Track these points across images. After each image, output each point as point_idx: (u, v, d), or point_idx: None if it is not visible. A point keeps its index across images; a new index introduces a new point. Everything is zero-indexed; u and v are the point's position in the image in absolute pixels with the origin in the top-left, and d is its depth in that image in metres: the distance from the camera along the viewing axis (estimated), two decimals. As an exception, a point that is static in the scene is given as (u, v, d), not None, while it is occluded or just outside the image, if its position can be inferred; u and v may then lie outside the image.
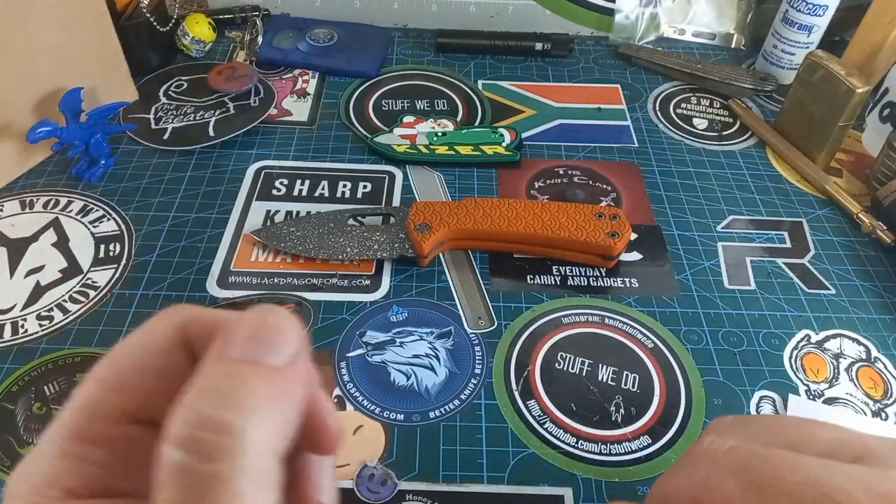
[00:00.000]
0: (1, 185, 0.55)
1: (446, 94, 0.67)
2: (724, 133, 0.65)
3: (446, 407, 0.43)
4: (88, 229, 0.53)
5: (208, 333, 0.17)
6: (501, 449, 0.41)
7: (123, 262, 0.50)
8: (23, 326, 0.46)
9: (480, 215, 0.50)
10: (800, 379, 0.45)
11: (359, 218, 0.53)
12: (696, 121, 0.66)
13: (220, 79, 0.64)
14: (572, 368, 0.45)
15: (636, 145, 0.63)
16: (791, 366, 0.46)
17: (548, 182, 0.58)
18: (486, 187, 0.58)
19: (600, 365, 0.45)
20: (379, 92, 0.67)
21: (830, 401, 0.44)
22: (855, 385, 0.45)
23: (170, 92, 0.65)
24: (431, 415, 0.42)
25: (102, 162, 0.56)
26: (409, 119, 0.63)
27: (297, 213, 0.54)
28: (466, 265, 0.51)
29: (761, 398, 0.44)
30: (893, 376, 0.46)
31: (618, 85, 0.70)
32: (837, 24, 0.66)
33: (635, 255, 0.53)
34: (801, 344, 0.47)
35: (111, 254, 0.51)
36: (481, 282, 0.50)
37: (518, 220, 0.50)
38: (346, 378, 0.44)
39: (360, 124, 0.63)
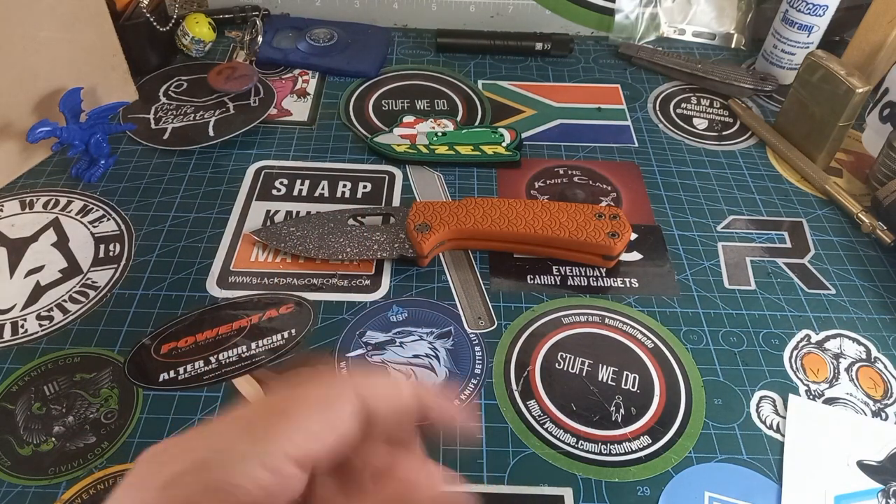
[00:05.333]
0: (1, 185, 0.55)
1: (446, 94, 0.67)
2: (724, 133, 0.65)
3: (446, 407, 0.43)
4: (88, 229, 0.53)
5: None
6: (501, 449, 0.41)
7: (123, 262, 0.50)
8: (23, 326, 0.46)
9: (480, 215, 0.50)
10: (800, 379, 0.45)
11: (359, 218, 0.53)
12: (696, 121, 0.66)
13: (220, 79, 0.64)
14: (572, 368, 0.45)
15: (636, 145, 0.63)
16: (791, 366, 0.46)
17: (548, 182, 0.58)
18: (486, 187, 0.58)
19: (600, 365, 0.45)
20: (379, 92, 0.67)
21: (830, 401, 0.44)
22: (855, 385, 0.45)
23: (170, 92, 0.65)
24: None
25: (102, 162, 0.56)
26: (409, 119, 0.63)
27: (297, 213, 0.54)
28: (466, 265, 0.51)
29: (761, 398, 0.44)
30: (893, 376, 0.46)
31: (618, 85, 0.70)
32: (837, 24, 0.66)
33: (635, 255, 0.53)
34: (801, 344, 0.47)
35: (111, 254, 0.51)
36: (481, 282, 0.50)
37: (518, 220, 0.50)
38: (346, 378, 0.44)
39: (360, 124, 0.63)
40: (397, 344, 0.46)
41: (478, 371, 0.45)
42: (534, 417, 0.42)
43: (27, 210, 0.54)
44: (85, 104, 0.55)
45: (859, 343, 0.48)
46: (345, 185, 0.57)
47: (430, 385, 0.24)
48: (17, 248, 0.51)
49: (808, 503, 0.39)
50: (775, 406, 0.44)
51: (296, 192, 0.56)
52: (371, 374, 0.23)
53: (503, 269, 0.51)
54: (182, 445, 0.21)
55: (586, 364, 0.45)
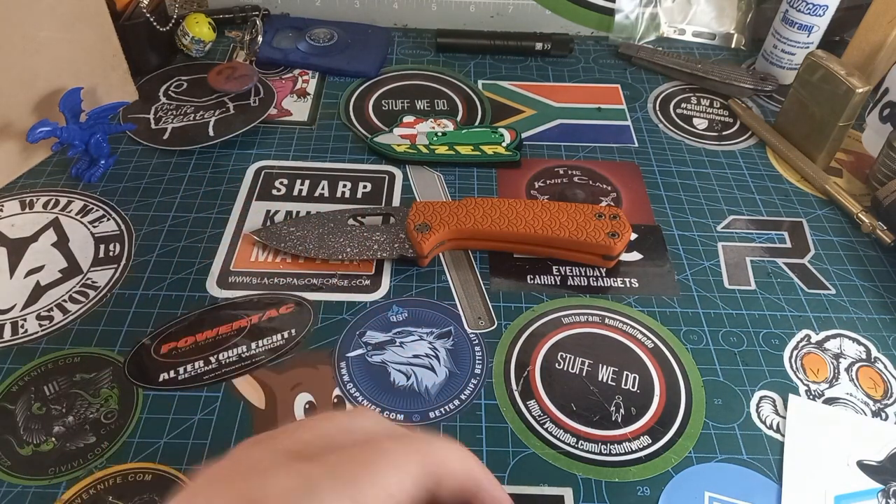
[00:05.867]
0: (1, 185, 0.55)
1: (446, 94, 0.67)
2: (724, 133, 0.65)
3: (446, 407, 0.43)
4: (88, 229, 0.53)
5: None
6: (501, 449, 0.41)
7: (123, 262, 0.50)
8: (23, 326, 0.46)
9: (480, 215, 0.50)
10: (800, 379, 0.45)
11: (359, 218, 0.53)
12: (696, 121, 0.66)
13: (220, 79, 0.64)
14: (572, 368, 0.45)
15: (636, 145, 0.63)
16: (791, 366, 0.46)
17: (548, 182, 0.58)
18: (486, 187, 0.58)
19: (600, 365, 0.45)
20: (379, 92, 0.67)
21: (830, 401, 0.44)
22: (855, 385, 0.45)
23: (170, 92, 0.65)
24: (431, 415, 0.42)
25: (102, 162, 0.56)
26: (409, 119, 0.63)
27: (297, 213, 0.54)
28: (466, 265, 0.51)
29: (761, 398, 0.44)
30: (893, 376, 0.46)
31: (618, 85, 0.70)
32: (837, 24, 0.66)
33: (635, 255, 0.53)
34: (801, 344, 0.47)
35: (111, 254, 0.51)
36: (481, 282, 0.50)
37: (518, 220, 0.50)
38: (346, 378, 0.44)
39: (360, 124, 0.63)
40: (397, 344, 0.46)
41: (478, 371, 0.45)
42: (534, 417, 0.42)
43: (27, 210, 0.54)
44: (85, 104, 0.55)
45: (859, 343, 0.48)
46: (345, 185, 0.57)
47: (486, 470, 0.24)
48: (17, 248, 0.51)
49: (808, 503, 0.39)
50: (775, 406, 0.44)
51: (296, 192, 0.56)
52: (445, 444, 0.23)
53: (503, 269, 0.51)
54: (258, 475, 0.21)
55: (586, 364, 0.45)
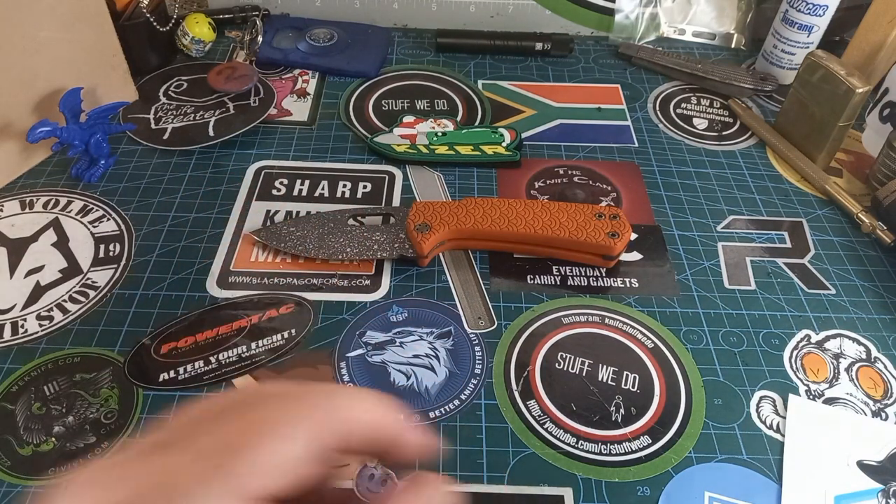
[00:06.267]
0: (1, 185, 0.55)
1: (446, 94, 0.67)
2: (724, 133, 0.65)
3: (446, 407, 0.43)
4: (88, 229, 0.53)
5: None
6: (501, 449, 0.41)
7: (123, 262, 0.50)
8: (23, 326, 0.46)
9: (480, 215, 0.50)
10: (800, 379, 0.45)
11: (359, 218, 0.53)
12: (696, 121, 0.66)
13: (220, 79, 0.64)
14: (572, 368, 0.45)
15: (636, 145, 0.63)
16: (791, 366, 0.46)
17: (548, 182, 0.58)
18: (486, 187, 0.58)
19: (600, 365, 0.45)
20: (379, 92, 0.67)
21: (830, 401, 0.44)
22: (855, 385, 0.45)
23: (170, 92, 0.65)
24: (431, 415, 0.42)
25: (102, 162, 0.56)
26: (409, 119, 0.63)
27: (297, 213, 0.54)
28: (466, 265, 0.51)
29: (761, 398, 0.44)
30: (893, 376, 0.46)
31: (618, 85, 0.70)
32: (837, 24, 0.66)
33: (635, 255, 0.53)
34: (801, 344, 0.47)
35: (111, 254, 0.51)
36: (481, 282, 0.50)
37: (518, 220, 0.50)
38: (346, 378, 0.44)
39: (360, 124, 0.63)
40: (397, 344, 0.46)
41: (478, 371, 0.45)
42: (534, 417, 0.42)
43: (27, 210, 0.54)
44: (85, 104, 0.55)
45: (859, 343, 0.48)
46: (345, 185, 0.57)
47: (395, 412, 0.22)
48: (17, 248, 0.51)
49: (808, 503, 0.39)
50: (775, 406, 0.44)
51: (296, 192, 0.56)
52: (349, 394, 0.21)
53: (503, 269, 0.51)
54: (119, 472, 0.18)
55: (586, 364, 0.45)
